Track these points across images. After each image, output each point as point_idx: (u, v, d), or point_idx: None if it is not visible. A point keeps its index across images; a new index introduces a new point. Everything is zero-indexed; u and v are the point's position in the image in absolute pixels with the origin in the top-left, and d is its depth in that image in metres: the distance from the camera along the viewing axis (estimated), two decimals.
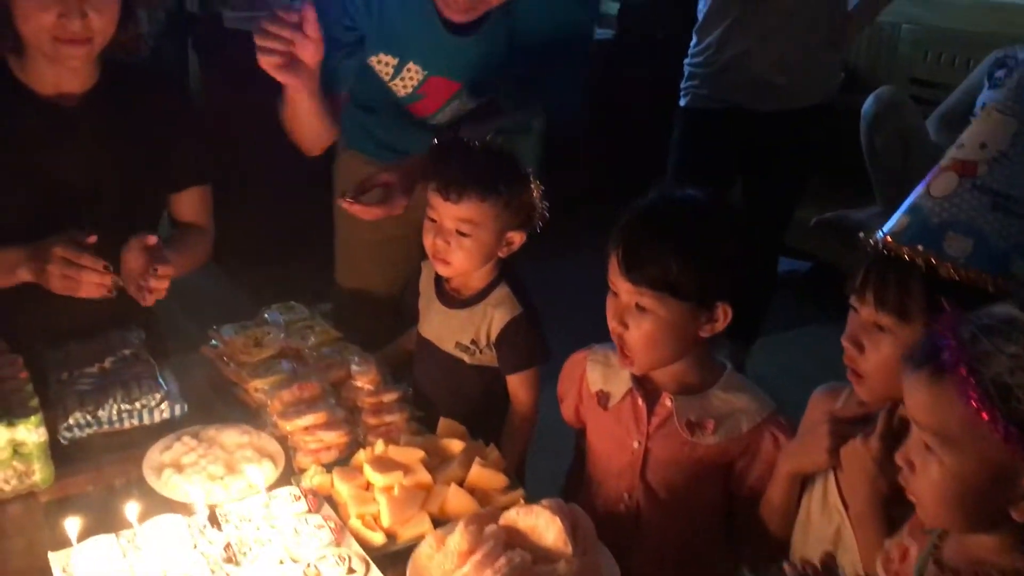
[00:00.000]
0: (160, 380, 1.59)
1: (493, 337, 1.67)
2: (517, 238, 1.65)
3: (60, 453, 1.48)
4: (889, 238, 1.14)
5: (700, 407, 1.38)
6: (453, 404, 1.68)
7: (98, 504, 1.39)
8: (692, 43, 2.80)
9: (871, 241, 1.16)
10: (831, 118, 2.86)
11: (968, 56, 3.59)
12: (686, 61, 2.82)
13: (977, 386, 0.86)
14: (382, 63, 1.81)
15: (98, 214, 1.69)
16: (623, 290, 1.34)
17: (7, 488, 1.41)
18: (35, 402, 1.44)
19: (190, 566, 1.21)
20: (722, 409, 1.37)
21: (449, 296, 1.71)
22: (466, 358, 1.69)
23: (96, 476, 1.47)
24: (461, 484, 1.40)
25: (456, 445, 1.48)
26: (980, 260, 1.10)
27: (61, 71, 1.65)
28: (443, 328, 1.71)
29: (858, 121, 3.26)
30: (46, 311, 1.70)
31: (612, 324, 1.37)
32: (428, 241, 1.64)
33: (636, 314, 1.34)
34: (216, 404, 1.69)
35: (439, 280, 1.73)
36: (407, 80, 1.84)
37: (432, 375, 1.75)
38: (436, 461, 1.45)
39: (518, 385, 1.68)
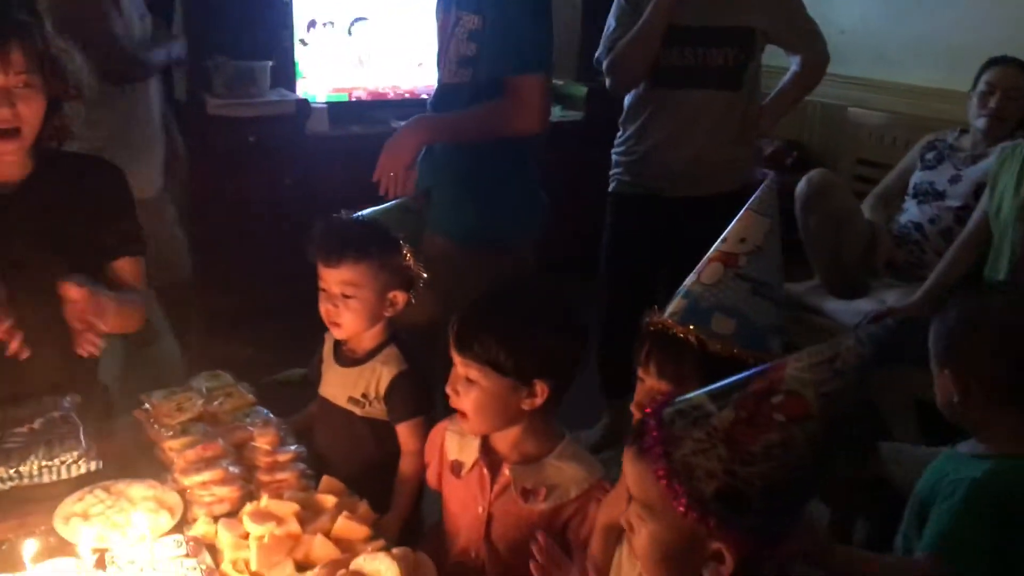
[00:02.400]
0: (81, 440, 1.78)
1: (382, 391, 1.87)
2: (400, 297, 1.86)
3: None
4: (668, 319, 1.32)
5: (535, 475, 1.55)
6: (347, 456, 1.88)
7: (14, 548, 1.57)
8: (618, 133, 3.02)
9: (651, 321, 1.33)
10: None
11: (908, 138, 3.77)
12: (612, 150, 3.04)
13: (666, 465, 0.99)
14: None
15: (39, 281, 1.87)
16: (457, 362, 1.54)
17: None
18: None
19: None
20: (554, 477, 1.55)
21: (344, 356, 1.92)
22: (357, 411, 1.89)
23: (18, 524, 1.65)
24: (328, 535, 1.57)
25: (330, 500, 1.65)
26: (743, 338, 1.27)
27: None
28: (338, 385, 1.92)
29: None
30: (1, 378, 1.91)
31: (448, 391, 1.56)
32: (321, 308, 1.85)
33: (465, 384, 1.53)
34: (138, 461, 1.88)
35: (337, 344, 1.94)
36: None
37: (328, 430, 1.95)
38: (310, 514, 1.63)
39: (406, 434, 1.86)
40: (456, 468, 1.64)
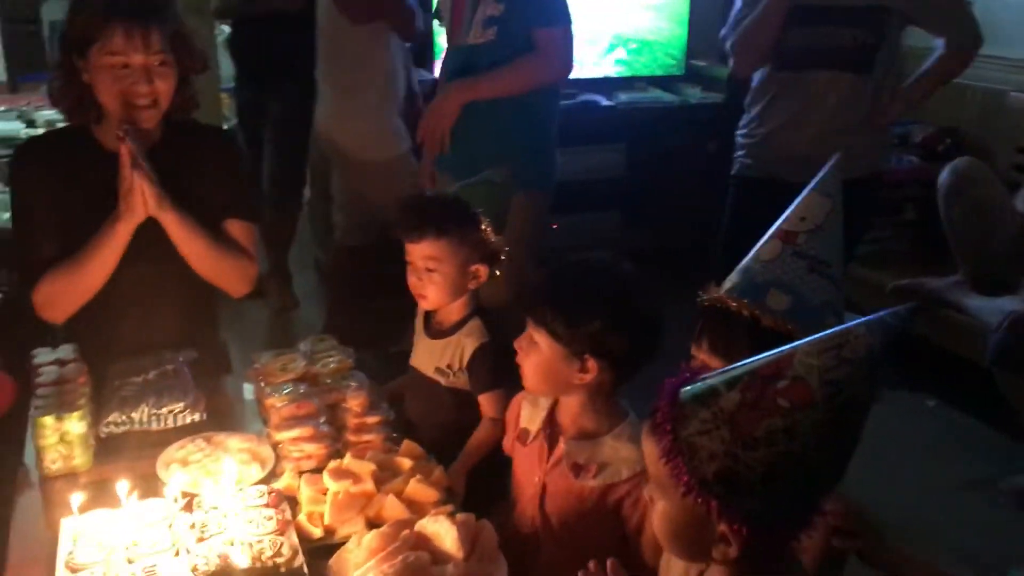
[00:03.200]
0: (188, 392, 1.92)
1: (465, 362, 1.93)
2: (482, 271, 1.92)
3: (101, 445, 1.83)
4: (723, 293, 1.29)
5: (589, 451, 1.56)
6: (432, 423, 1.97)
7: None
8: (743, 115, 2.94)
9: (706, 296, 1.31)
10: (879, 191, 2.90)
11: None
12: (736, 132, 2.97)
13: (671, 443, 0.99)
14: None
15: (158, 245, 2.02)
16: (528, 323, 1.57)
17: (53, 467, 1.76)
18: (82, 401, 1.80)
19: (159, 538, 1.51)
20: (608, 456, 1.55)
21: (432, 328, 1.99)
22: (442, 380, 1.96)
23: (127, 466, 1.80)
24: (400, 496, 1.63)
25: (406, 463, 1.71)
26: (797, 315, 1.24)
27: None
28: (426, 356, 1.99)
29: None
30: (122, 331, 2.08)
31: (515, 345, 1.61)
32: (409, 280, 1.92)
33: (529, 342, 1.57)
34: (244, 416, 2.01)
35: (427, 316, 2.01)
36: None
37: (416, 398, 2.03)
38: (387, 475, 1.69)
39: (486, 404, 1.92)
40: (523, 436, 1.68)
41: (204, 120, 2.25)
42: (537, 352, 1.57)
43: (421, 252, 1.87)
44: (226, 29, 4.54)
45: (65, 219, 2.01)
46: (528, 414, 1.69)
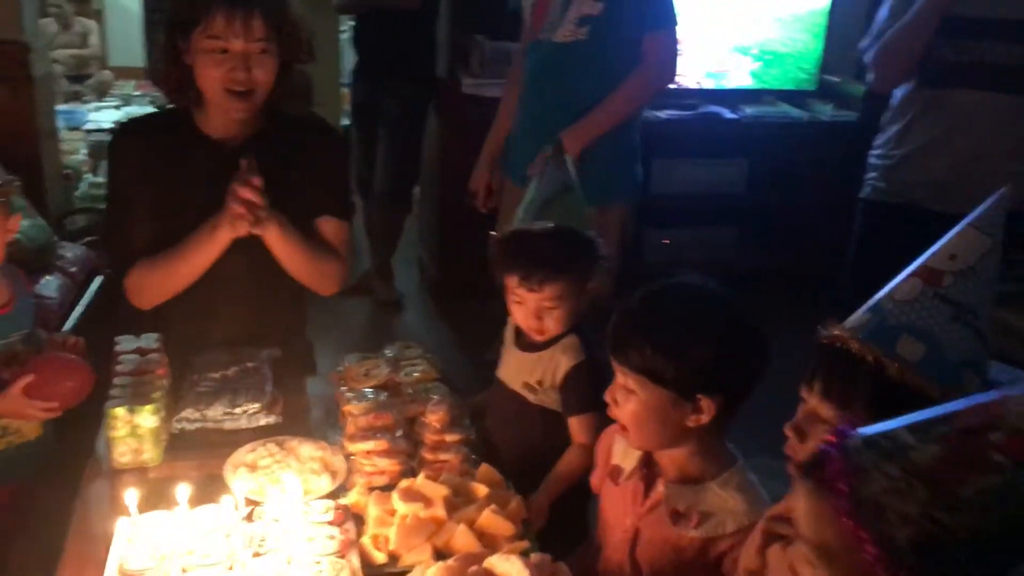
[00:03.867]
0: (266, 392, 1.84)
1: (558, 380, 1.79)
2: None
3: (173, 440, 1.77)
4: (846, 332, 1.12)
5: (691, 498, 1.39)
6: (515, 441, 1.84)
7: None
8: (878, 134, 2.71)
9: (826, 333, 1.14)
10: None
11: None
12: (869, 152, 2.73)
13: (852, 502, 0.83)
14: None
15: (251, 244, 1.96)
16: (616, 369, 1.40)
17: (123, 460, 1.71)
18: (157, 395, 1.74)
19: (215, 548, 1.42)
20: (712, 505, 1.38)
21: (524, 340, 1.85)
22: (530, 397, 1.82)
23: (197, 465, 1.73)
24: (472, 526, 1.50)
25: (482, 490, 1.58)
26: (930, 367, 1.06)
27: (230, 121, 1.96)
28: (515, 369, 1.86)
29: None
30: (207, 325, 2.03)
31: (607, 399, 1.43)
32: (519, 318, 1.79)
33: (624, 393, 1.39)
34: (319, 420, 1.92)
35: (518, 327, 1.86)
36: None
37: (499, 413, 1.90)
38: (461, 501, 1.57)
39: (577, 428, 1.77)
40: (615, 474, 1.52)
41: (325, 114, 2.20)
42: (636, 402, 1.38)
43: (539, 298, 1.74)
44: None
45: (158, 203, 1.97)
46: (622, 450, 1.53)
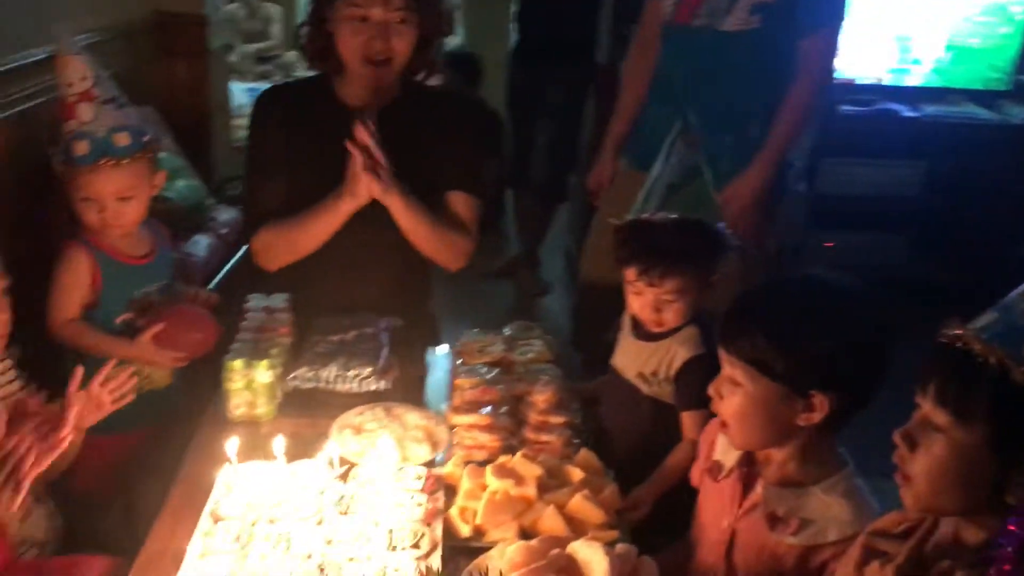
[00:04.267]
0: (380, 359, 1.85)
1: (673, 372, 1.71)
2: (716, 278, 1.71)
3: (287, 398, 1.81)
4: (968, 331, 1.00)
5: (793, 503, 1.29)
6: (624, 431, 1.78)
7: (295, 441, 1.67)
8: None
9: (945, 332, 1.02)
10: None
11: None
12: None
13: None
14: None
15: (379, 213, 1.95)
16: (723, 360, 1.32)
17: (237, 412, 1.76)
18: (275, 351, 1.79)
19: (306, 503, 1.44)
20: (814, 511, 1.27)
21: (641, 329, 1.77)
22: (644, 387, 1.75)
23: (308, 422, 1.76)
24: (562, 509, 1.45)
25: (577, 474, 1.53)
26: None
27: (367, 89, 1.98)
28: (630, 357, 1.79)
29: None
30: (332, 289, 2.06)
31: (710, 392, 1.35)
32: (636, 308, 1.73)
33: (730, 386, 1.30)
34: (434, 391, 1.92)
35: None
36: None
37: (612, 401, 1.84)
38: (554, 483, 1.52)
39: (689, 423, 1.69)
40: (715, 470, 1.43)
41: (492, 97, 2.19)
42: (742, 395, 1.30)
43: (659, 291, 1.68)
44: None
45: (293, 166, 2.01)
46: (724, 445, 1.44)
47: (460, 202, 2.08)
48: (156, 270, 1.97)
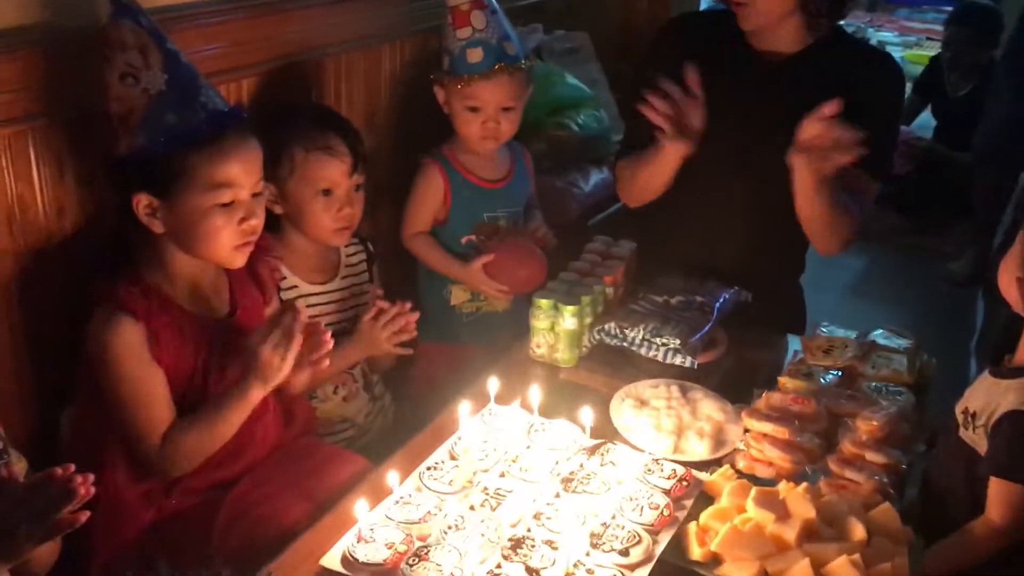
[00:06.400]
0: (697, 337, 1.63)
1: (993, 418, 1.32)
2: None
3: (596, 349, 1.68)
4: None
5: None
6: (943, 481, 1.42)
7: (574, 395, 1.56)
8: None
9: None
10: None
11: None
12: None
13: None
14: None
15: (769, 157, 1.71)
16: None
17: (538, 351, 1.68)
18: (586, 299, 1.66)
19: (539, 467, 1.32)
20: None
21: (1003, 365, 1.38)
22: (960, 428, 1.39)
23: (604, 380, 1.63)
24: (818, 567, 1.16)
25: (859, 532, 1.21)
26: None
27: (778, 33, 1.76)
28: (977, 390, 1.39)
29: None
30: (690, 250, 1.88)
31: None
32: None
33: None
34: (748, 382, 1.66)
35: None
36: None
37: (942, 445, 1.46)
38: (830, 533, 1.22)
39: (996, 496, 1.30)
40: None
41: None
42: None
43: None
44: None
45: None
46: None
47: (859, 182, 1.78)
48: (508, 195, 1.95)
